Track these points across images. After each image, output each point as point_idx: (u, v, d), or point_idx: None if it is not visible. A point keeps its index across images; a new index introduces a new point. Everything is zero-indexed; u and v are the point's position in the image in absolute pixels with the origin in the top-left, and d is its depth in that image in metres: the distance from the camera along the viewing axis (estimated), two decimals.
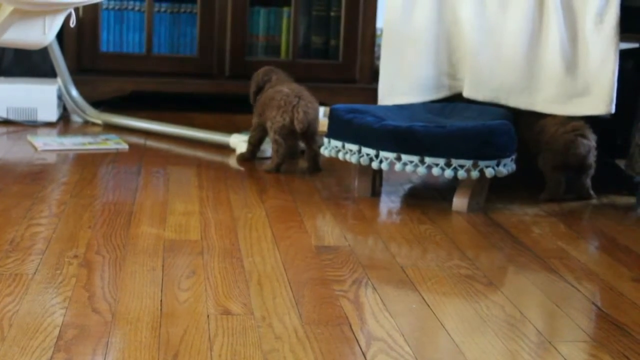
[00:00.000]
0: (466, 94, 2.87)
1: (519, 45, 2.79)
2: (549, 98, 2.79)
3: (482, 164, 2.48)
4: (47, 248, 2.06)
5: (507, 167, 2.54)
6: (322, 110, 3.86)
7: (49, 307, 1.71)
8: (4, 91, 3.57)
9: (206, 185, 2.70)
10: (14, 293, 1.77)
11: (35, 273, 1.89)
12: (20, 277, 1.86)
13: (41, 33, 2.76)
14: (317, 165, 2.95)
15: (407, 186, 2.86)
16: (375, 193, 2.71)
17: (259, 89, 3.10)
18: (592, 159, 2.71)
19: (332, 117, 2.69)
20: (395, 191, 2.79)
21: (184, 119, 3.65)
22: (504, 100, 2.83)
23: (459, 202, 2.57)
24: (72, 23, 2.82)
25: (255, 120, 3.04)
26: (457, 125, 2.53)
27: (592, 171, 2.75)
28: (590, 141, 2.70)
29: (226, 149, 3.23)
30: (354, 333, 1.67)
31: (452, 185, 2.72)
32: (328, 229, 2.33)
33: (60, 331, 1.60)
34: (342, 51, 4.06)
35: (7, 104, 3.55)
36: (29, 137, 3.27)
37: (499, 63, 2.82)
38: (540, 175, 2.77)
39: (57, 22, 2.80)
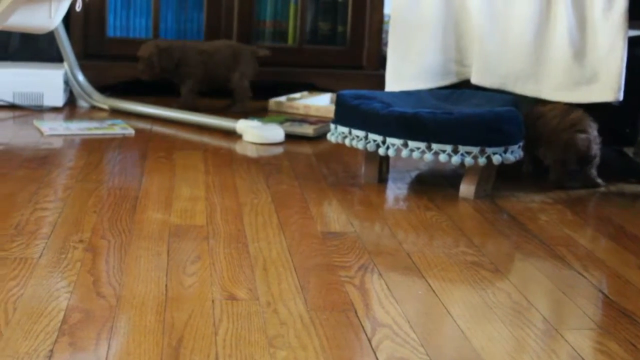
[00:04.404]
0: (474, 80, 2.86)
1: (527, 31, 2.77)
2: (556, 85, 2.77)
3: (489, 150, 2.47)
4: (52, 232, 2.05)
5: (514, 154, 2.53)
6: (329, 96, 3.86)
7: (54, 291, 1.71)
8: (11, 76, 3.57)
9: (212, 171, 2.69)
10: (19, 277, 1.77)
11: (40, 257, 1.89)
12: (25, 261, 1.86)
13: (47, 17, 2.74)
14: None
15: (414, 173, 2.85)
16: (382, 179, 2.70)
17: None
18: (594, 150, 2.68)
19: (338, 103, 2.68)
20: (402, 178, 2.78)
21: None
22: (511, 87, 2.82)
23: (466, 188, 2.56)
24: (78, 7, 2.81)
25: None
26: (464, 112, 2.52)
27: (597, 160, 2.72)
28: (589, 134, 2.66)
29: (233, 134, 3.22)
30: (359, 319, 1.66)
31: (459, 172, 2.71)
32: (334, 215, 2.32)
33: (64, 315, 1.60)
34: (350, 37, 4.05)
35: (13, 89, 3.55)
36: (35, 122, 3.27)
37: (506, 49, 2.81)
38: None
39: (63, 6, 2.78)
